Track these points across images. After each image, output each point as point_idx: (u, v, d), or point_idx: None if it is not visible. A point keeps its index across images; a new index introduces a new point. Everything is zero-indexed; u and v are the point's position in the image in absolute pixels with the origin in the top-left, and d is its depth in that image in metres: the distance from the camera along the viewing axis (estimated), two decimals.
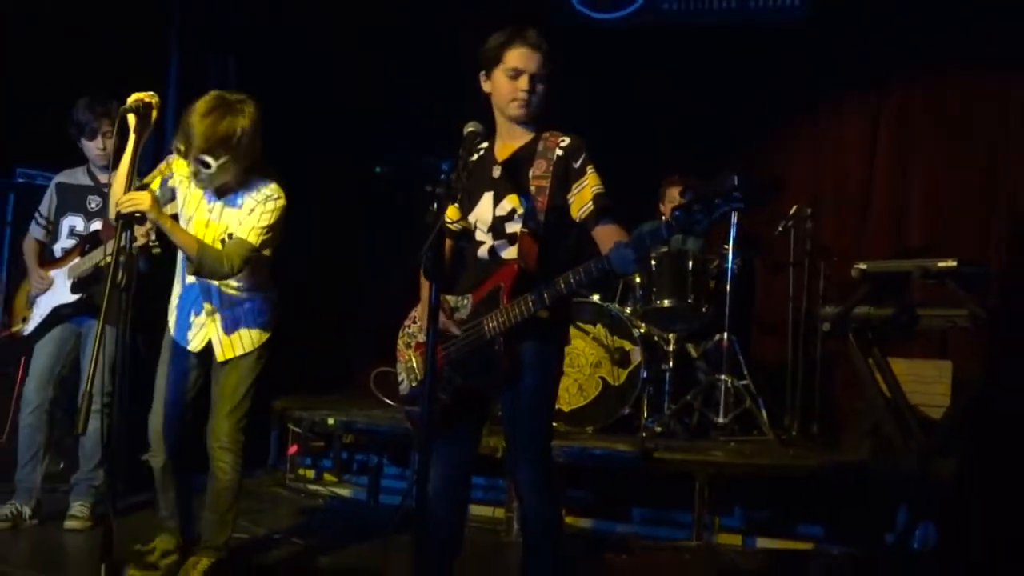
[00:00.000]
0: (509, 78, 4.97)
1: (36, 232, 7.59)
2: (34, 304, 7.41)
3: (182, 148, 5.70)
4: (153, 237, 6.74)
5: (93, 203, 7.44)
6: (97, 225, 7.37)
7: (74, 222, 7.48)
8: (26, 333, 7.41)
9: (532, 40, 4.97)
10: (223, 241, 5.90)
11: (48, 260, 7.45)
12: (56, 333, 7.39)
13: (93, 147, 7.37)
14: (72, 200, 7.52)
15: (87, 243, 7.29)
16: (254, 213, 5.86)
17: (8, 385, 7.97)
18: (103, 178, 7.41)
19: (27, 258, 7.59)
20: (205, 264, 5.68)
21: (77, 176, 7.58)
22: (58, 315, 7.35)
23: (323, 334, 11.03)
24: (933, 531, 7.21)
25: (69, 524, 7.27)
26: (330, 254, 11.25)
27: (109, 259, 6.83)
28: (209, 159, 5.66)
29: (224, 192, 5.96)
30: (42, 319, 7.36)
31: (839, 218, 10.50)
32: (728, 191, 4.33)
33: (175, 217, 6.01)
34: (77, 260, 7.27)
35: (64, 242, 7.47)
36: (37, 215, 7.60)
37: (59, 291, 7.34)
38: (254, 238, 5.80)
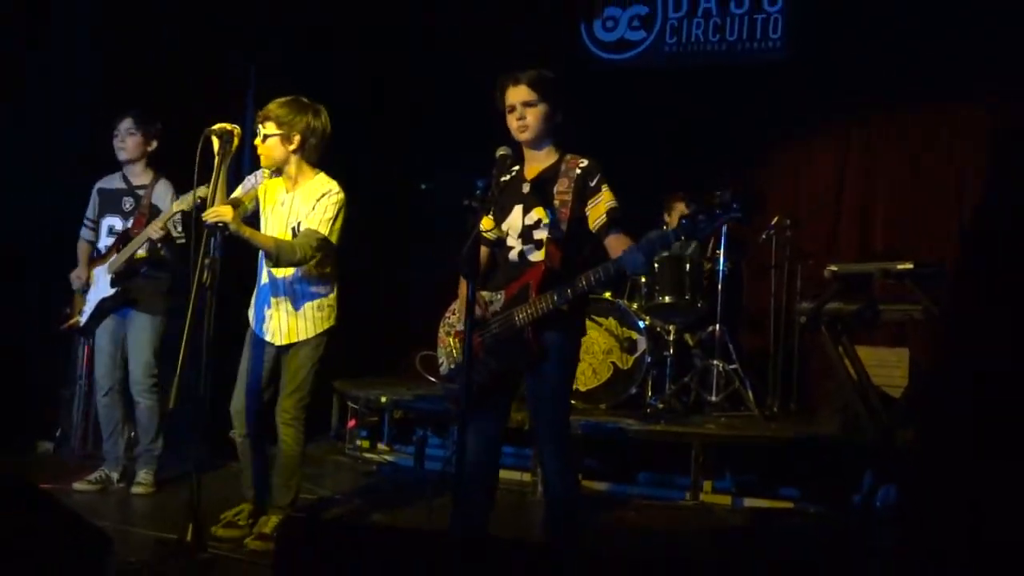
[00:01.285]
0: (508, 114, 5.04)
1: (85, 234, 7.60)
2: (86, 298, 7.44)
3: (260, 119, 6.02)
4: (179, 229, 6.85)
5: (127, 204, 7.41)
6: (131, 224, 7.37)
7: (112, 222, 7.45)
8: (81, 324, 7.45)
9: (513, 76, 5.07)
10: (293, 230, 5.99)
11: (94, 258, 7.46)
12: (108, 323, 7.40)
13: (116, 144, 7.37)
14: (110, 202, 7.50)
15: (122, 241, 7.27)
16: (319, 205, 5.93)
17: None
18: (134, 179, 7.46)
19: (78, 257, 7.61)
20: (282, 256, 5.79)
21: (113, 181, 7.55)
22: (103, 307, 7.34)
23: (378, 326, 11.07)
24: (893, 492, 7.21)
25: (136, 490, 7.31)
26: (383, 257, 11.28)
27: (141, 253, 7.01)
28: (260, 127, 5.93)
29: (292, 187, 6.06)
30: (91, 312, 7.36)
31: (814, 227, 10.48)
32: (728, 204, 4.41)
33: (256, 219, 6.15)
34: (115, 256, 7.26)
35: (105, 240, 7.44)
36: (85, 219, 7.61)
37: (101, 286, 7.33)
38: (323, 228, 5.87)
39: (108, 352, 7.41)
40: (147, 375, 7.25)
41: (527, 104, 5.02)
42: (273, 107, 5.97)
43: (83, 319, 7.40)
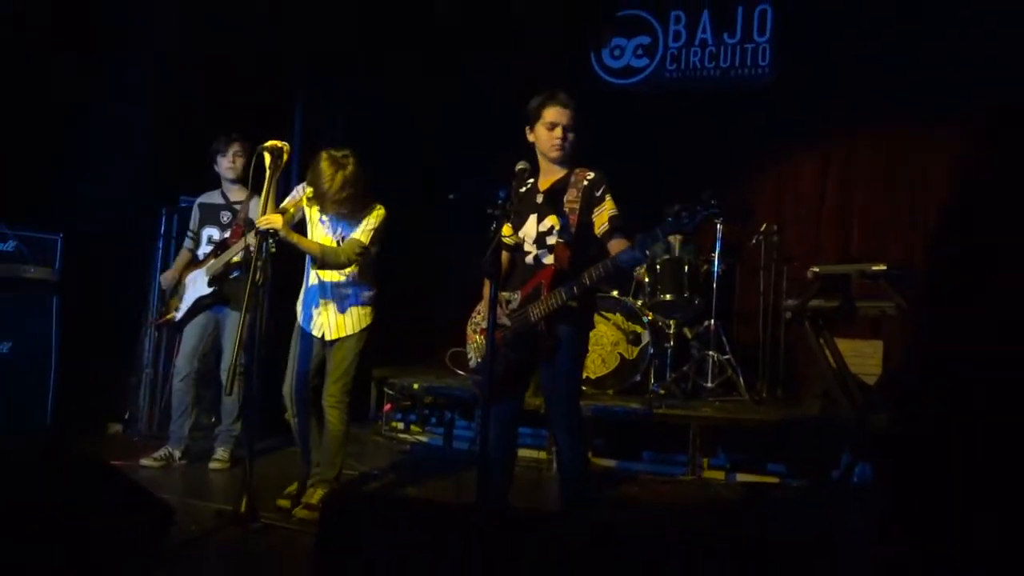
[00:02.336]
0: (547, 130, 5.09)
1: (187, 243, 7.73)
2: (183, 297, 7.50)
3: (311, 194, 6.00)
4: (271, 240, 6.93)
5: (224, 217, 7.52)
6: (228, 235, 7.46)
7: (211, 232, 7.56)
8: (177, 319, 7.52)
9: (562, 100, 5.10)
10: (338, 242, 6.08)
11: (193, 263, 7.56)
12: (199, 319, 7.48)
13: (225, 162, 7.48)
14: (209, 216, 7.61)
15: (220, 248, 7.40)
16: (362, 220, 6.02)
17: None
18: (232, 196, 7.57)
19: (177, 262, 7.71)
20: (327, 260, 5.91)
21: (213, 197, 7.67)
22: (199, 305, 7.44)
23: (411, 322, 11.09)
24: (868, 469, 7.21)
25: (213, 465, 7.41)
26: (416, 262, 11.30)
27: (236, 258, 7.12)
28: (340, 208, 5.95)
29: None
30: (187, 308, 7.45)
31: (798, 232, 10.49)
32: (707, 202, 4.50)
33: (302, 226, 6.24)
34: (212, 261, 7.37)
35: (204, 248, 7.55)
36: (188, 231, 7.72)
37: (199, 286, 7.43)
38: (364, 238, 5.98)
39: (192, 344, 7.50)
40: (237, 364, 7.33)
41: (569, 128, 5.10)
42: (336, 195, 5.90)
43: (178, 315, 7.51)
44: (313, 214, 6.21)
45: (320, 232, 6.18)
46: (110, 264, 8.23)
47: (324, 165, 5.90)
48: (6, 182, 7.68)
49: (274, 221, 5.70)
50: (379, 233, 6.12)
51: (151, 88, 8.77)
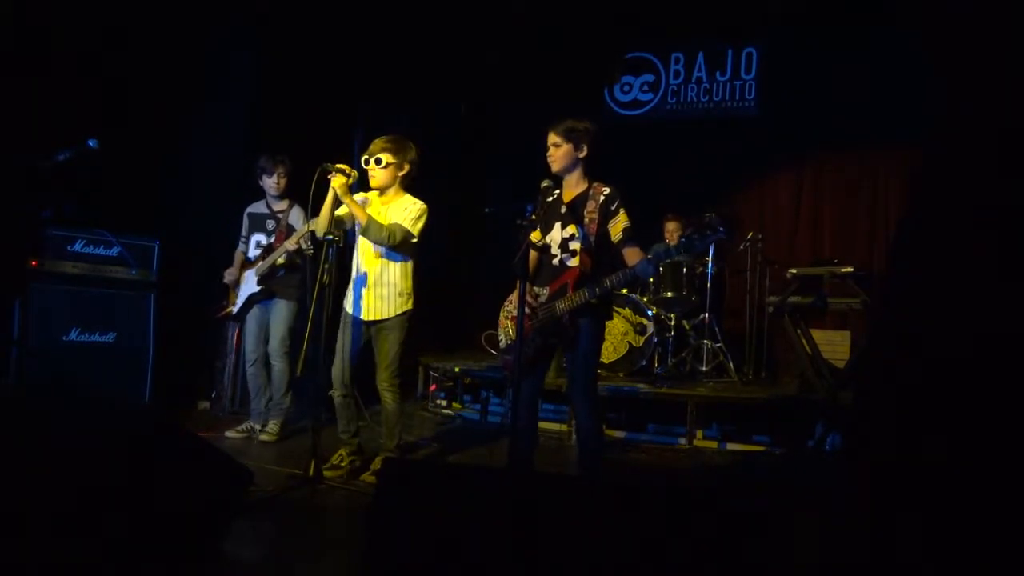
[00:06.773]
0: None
1: (240, 246, 7.64)
2: (238, 294, 7.51)
3: (365, 158, 6.06)
4: (309, 243, 6.89)
5: (270, 224, 7.46)
6: (273, 239, 7.45)
7: (259, 238, 7.49)
8: (234, 312, 7.52)
9: (551, 128, 5.19)
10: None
11: (246, 263, 7.54)
12: (255, 311, 7.44)
13: (270, 181, 7.39)
14: (257, 223, 7.55)
15: (266, 252, 7.35)
16: (408, 212, 5.98)
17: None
18: (275, 207, 7.50)
19: (234, 261, 7.65)
20: (371, 229, 5.84)
21: (260, 207, 7.58)
22: (251, 300, 7.41)
23: (452, 317, 11.14)
24: (838, 438, 7.19)
25: (262, 437, 7.34)
26: (459, 261, 11.36)
27: (281, 261, 7.15)
28: (381, 156, 6.00)
29: (387, 203, 6.08)
30: (241, 303, 7.43)
31: (777, 240, 10.51)
32: (716, 227, 4.58)
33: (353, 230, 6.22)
34: (260, 263, 7.33)
35: (253, 252, 7.49)
36: (241, 236, 7.66)
37: (250, 284, 7.39)
38: (408, 224, 5.92)
39: (254, 332, 7.45)
40: (282, 345, 7.28)
41: (556, 145, 5.14)
42: (389, 143, 6.04)
43: (235, 309, 7.48)
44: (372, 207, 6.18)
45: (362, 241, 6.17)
46: (198, 267, 8.27)
47: (398, 136, 6.10)
48: (115, 200, 7.75)
49: (337, 181, 5.75)
50: (425, 228, 6.04)
51: (233, 123, 8.83)
